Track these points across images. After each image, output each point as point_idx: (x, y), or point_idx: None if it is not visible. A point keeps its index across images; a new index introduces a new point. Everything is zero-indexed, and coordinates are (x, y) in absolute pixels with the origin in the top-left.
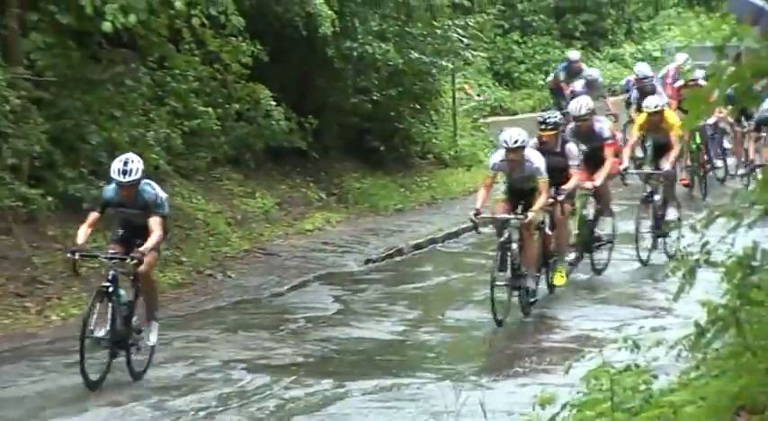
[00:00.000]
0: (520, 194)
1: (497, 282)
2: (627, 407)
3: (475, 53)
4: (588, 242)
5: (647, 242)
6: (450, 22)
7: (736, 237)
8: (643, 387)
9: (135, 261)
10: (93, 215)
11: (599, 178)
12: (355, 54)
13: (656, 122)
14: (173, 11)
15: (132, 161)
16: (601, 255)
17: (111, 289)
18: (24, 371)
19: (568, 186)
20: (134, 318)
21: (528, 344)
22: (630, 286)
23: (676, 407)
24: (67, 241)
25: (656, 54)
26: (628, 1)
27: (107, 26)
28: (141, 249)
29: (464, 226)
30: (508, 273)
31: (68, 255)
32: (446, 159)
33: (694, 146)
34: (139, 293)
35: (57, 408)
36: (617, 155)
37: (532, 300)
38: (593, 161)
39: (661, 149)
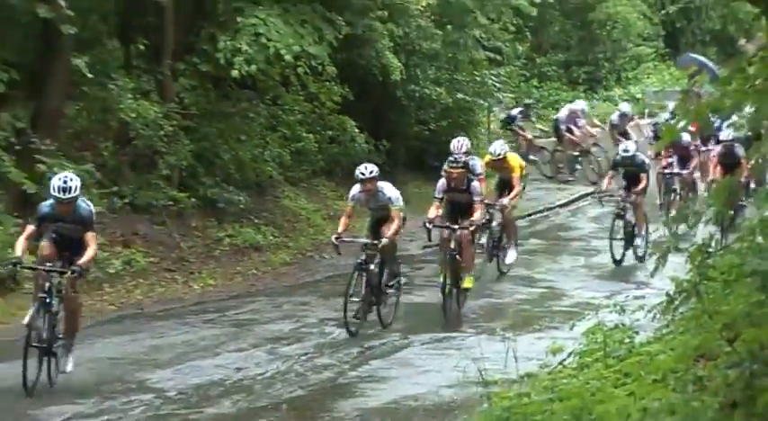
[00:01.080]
0: (377, 222)
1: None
2: (615, 355)
3: (504, 95)
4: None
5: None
6: (487, 72)
7: (696, 230)
8: (627, 340)
9: (75, 274)
10: (30, 228)
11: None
12: (417, 95)
13: (499, 165)
14: (283, 62)
15: (71, 179)
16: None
17: (48, 300)
18: (173, 326)
19: (475, 218)
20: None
21: (542, 309)
22: (618, 267)
23: (652, 355)
24: (207, 231)
25: (638, 96)
26: (618, 56)
27: (235, 73)
28: (80, 263)
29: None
30: (362, 292)
31: (10, 266)
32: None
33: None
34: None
35: (197, 353)
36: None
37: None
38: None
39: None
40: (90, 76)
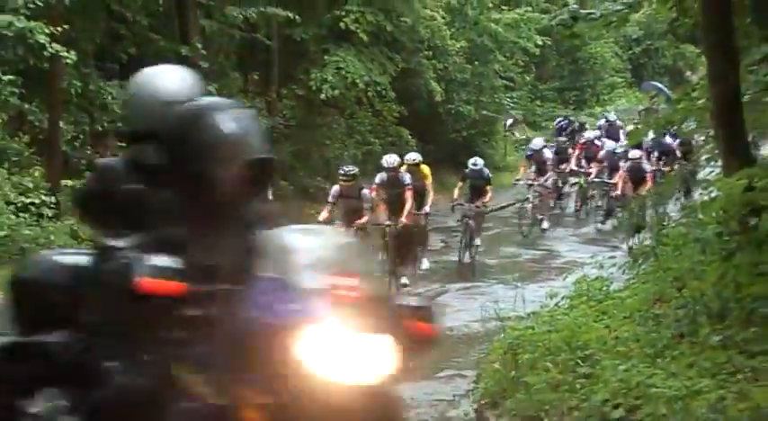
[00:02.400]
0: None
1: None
2: (595, 298)
3: (516, 111)
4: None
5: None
6: (503, 95)
7: (657, 210)
8: (604, 288)
9: None
10: None
11: (403, 216)
12: (453, 111)
13: (413, 172)
14: (357, 88)
15: None
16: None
17: None
18: None
19: (360, 222)
20: None
21: (542, 265)
22: (600, 235)
23: (622, 299)
24: (302, 210)
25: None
26: (597, 84)
27: (323, 96)
28: None
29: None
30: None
31: None
32: (500, 167)
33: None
34: None
35: None
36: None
37: None
38: (398, 202)
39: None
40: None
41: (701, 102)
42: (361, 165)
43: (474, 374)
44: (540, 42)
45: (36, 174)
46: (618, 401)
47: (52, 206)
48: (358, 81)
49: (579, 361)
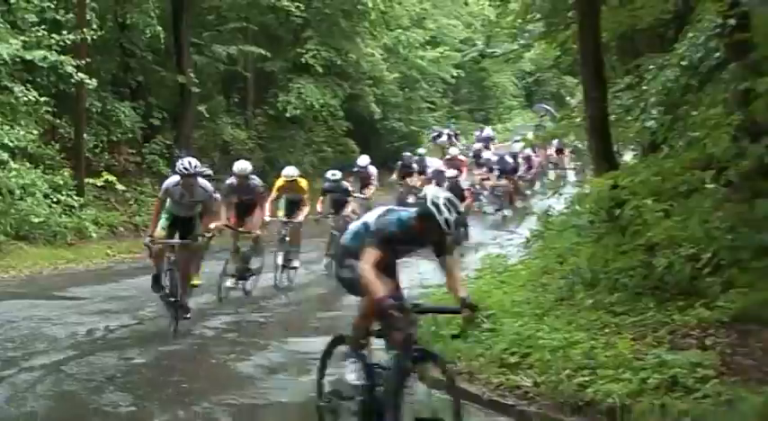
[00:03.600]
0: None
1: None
2: (497, 271)
3: (436, 127)
4: (242, 271)
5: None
6: (427, 114)
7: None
8: (504, 263)
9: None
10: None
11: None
12: (388, 127)
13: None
14: (314, 108)
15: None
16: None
17: None
18: None
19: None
20: None
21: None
22: (501, 228)
23: (517, 271)
24: None
25: (510, 128)
26: (498, 106)
27: (287, 114)
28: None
29: None
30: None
31: None
32: None
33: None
34: None
35: None
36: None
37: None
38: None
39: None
40: (207, 115)
41: (578, 120)
42: (319, 169)
43: None
44: (455, 74)
45: (65, 174)
46: (513, 350)
47: (78, 199)
48: (315, 103)
49: (484, 319)
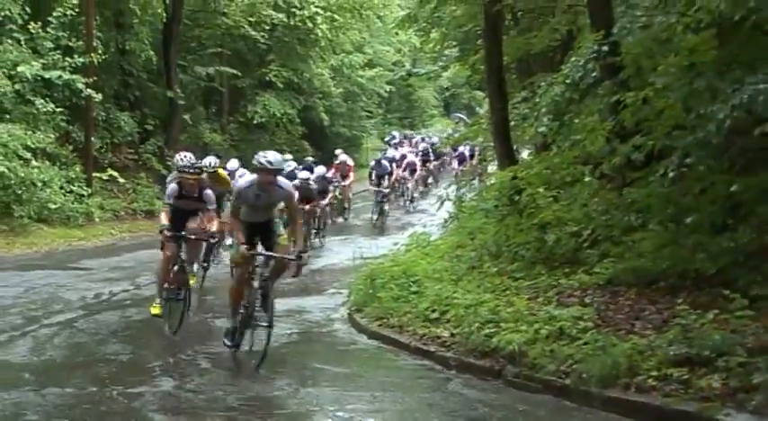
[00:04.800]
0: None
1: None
2: (421, 246)
3: (394, 132)
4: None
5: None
6: (365, 121)
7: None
8: (427, 239)
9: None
10: None
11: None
12: (335, 132)
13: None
14: (276, 117)
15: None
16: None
17: None
18: None
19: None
20: None
21: (391, 230)
22: (419, 213)
23: (437, 245)
24: None
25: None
26: (422, 114)
27: (255, 122)
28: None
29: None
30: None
31: None
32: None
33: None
34: None
35: None
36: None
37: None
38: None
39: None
40: (190, 122)
41: (485, 125)
42: None
43: (347, 292)
44: (388, 89)
45: (77, 169)
46: (434, 308)
47: (87, 190)
48: (276, 112)
49: (411, 283)
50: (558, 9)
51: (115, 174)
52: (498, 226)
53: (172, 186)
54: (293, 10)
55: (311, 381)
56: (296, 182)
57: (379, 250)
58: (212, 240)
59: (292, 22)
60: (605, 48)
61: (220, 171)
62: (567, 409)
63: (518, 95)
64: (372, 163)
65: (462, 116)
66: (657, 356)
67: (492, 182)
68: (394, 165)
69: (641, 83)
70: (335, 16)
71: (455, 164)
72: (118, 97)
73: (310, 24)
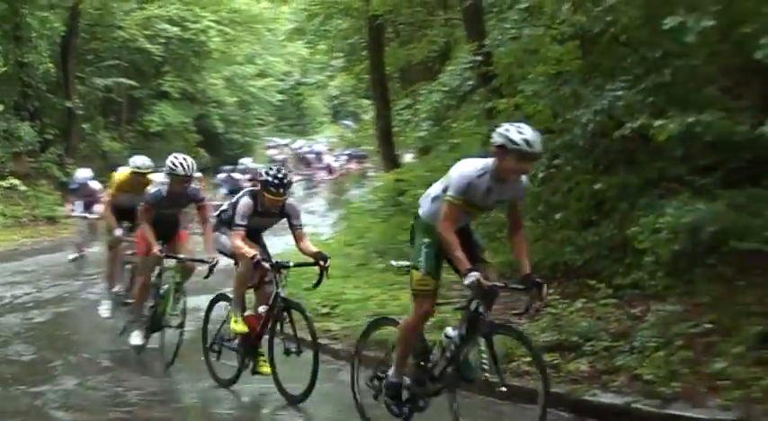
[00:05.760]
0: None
1: None
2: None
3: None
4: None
5: None
6: (258, 128)
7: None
8: (319, 238)
9: None
10: None
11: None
12: (229, 138)
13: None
14: (173, 125)
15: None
16: None
17: None
18: None
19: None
20: None
21: (283, 231)
22: (309, 215)
23: (328, 244)
24: None
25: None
26: (311, 121)
27: (152, 130)
28: None
29: None
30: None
31: None
32: None
33: None
34: None
35: None
36: None
37: None
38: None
39: None
40: (89, 131)
41: (370, 131)
42: None
43: None
44: (279, 98)
45: None
46: (325, 303)
47: None
48: (172, 121)
49: (302, 280)
50: (436, 22)
51: (16, 182)
52: (384, 225)
53: (245, 202)
54: (186, 24)
55: (206, 376)
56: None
57: (273, 250)
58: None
59: (186, 36)
60: (479, 58)
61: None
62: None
63: (401, 102)
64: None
65: (349, 123)
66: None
67: (378, 184)
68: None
69: (513, 90)
70: (227, 29)
71: (323, 174)
72: (18, 108)
73: (203, 37)
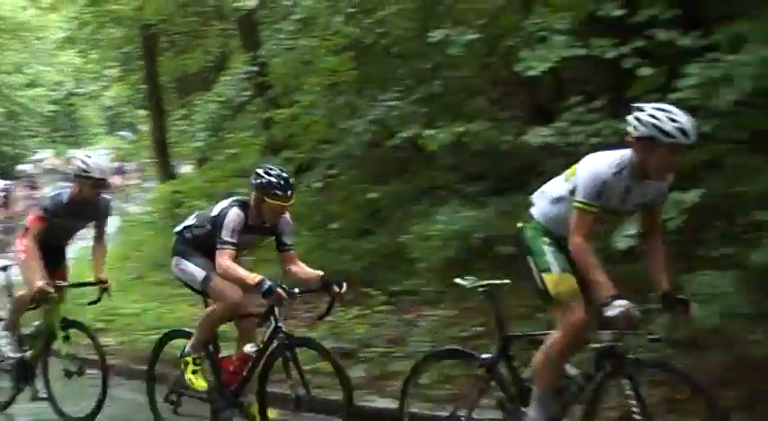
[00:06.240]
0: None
1: None
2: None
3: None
4: None
5: None
6: (29, 141)
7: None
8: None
9: None
10: None
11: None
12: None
13: None
14: None
15: None
16: None
17: None
18: None
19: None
20: None
21: None
22: None
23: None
24: None
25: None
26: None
27: None
28: None
29: None
30: None
31: None
32: None
33: None
34: None
35: None
36: None
37: None
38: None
39: None
40: None
41: (147, 142)
42: None
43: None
44: (52, 108)
45: None
46: (101, 318)
47: None
48: None
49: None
50: (211, 32)
51: None
52: (162, 237)
53: (235, 214)
54: None
55: None
56: None
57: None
58: None
59: None
60: (255, 68)
61: None
62: None
63: (177, 113)
64: None
65: (126, 134)
66: (310, 352)
67: (155, 195)
68: None
69: (289, 100)
70: None
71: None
72: None
73: None
